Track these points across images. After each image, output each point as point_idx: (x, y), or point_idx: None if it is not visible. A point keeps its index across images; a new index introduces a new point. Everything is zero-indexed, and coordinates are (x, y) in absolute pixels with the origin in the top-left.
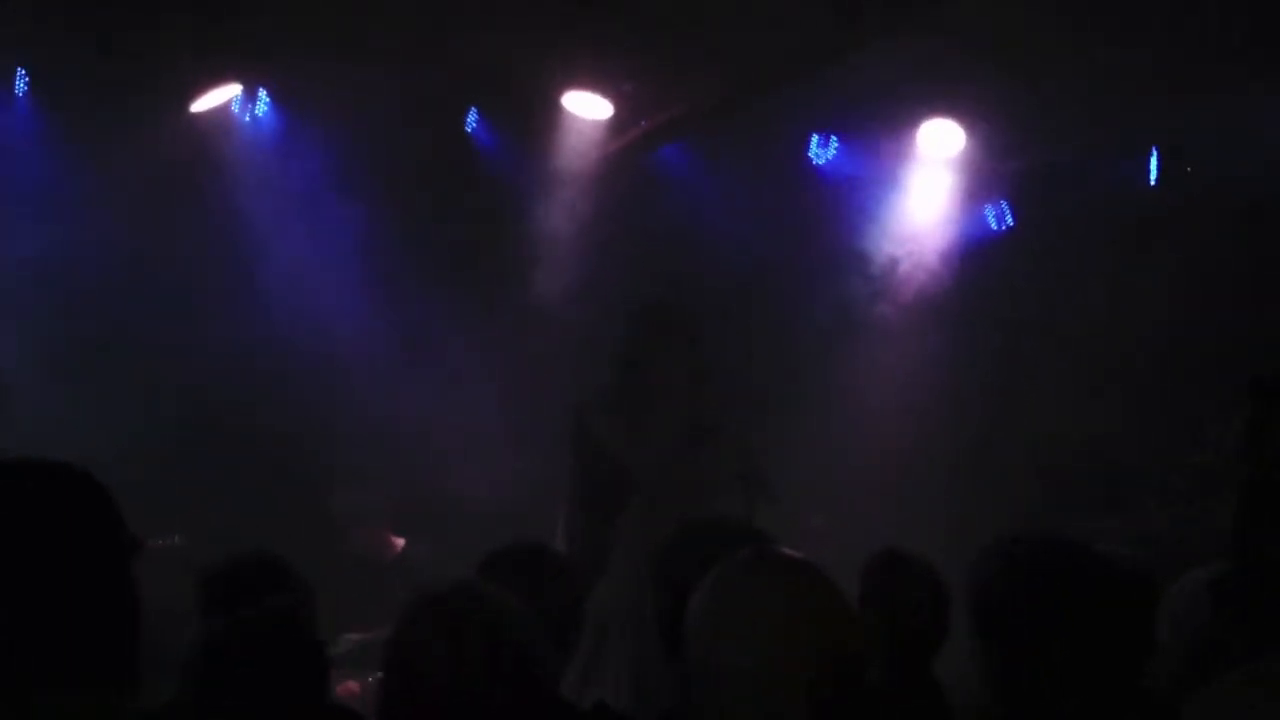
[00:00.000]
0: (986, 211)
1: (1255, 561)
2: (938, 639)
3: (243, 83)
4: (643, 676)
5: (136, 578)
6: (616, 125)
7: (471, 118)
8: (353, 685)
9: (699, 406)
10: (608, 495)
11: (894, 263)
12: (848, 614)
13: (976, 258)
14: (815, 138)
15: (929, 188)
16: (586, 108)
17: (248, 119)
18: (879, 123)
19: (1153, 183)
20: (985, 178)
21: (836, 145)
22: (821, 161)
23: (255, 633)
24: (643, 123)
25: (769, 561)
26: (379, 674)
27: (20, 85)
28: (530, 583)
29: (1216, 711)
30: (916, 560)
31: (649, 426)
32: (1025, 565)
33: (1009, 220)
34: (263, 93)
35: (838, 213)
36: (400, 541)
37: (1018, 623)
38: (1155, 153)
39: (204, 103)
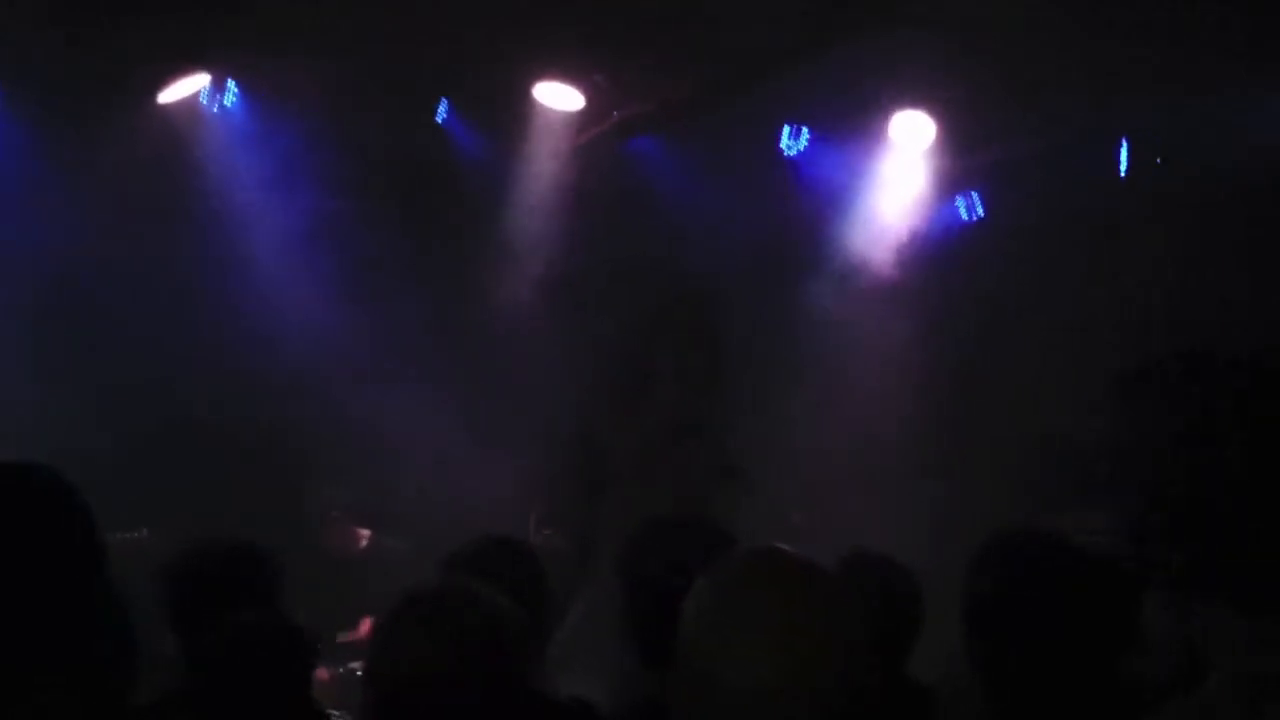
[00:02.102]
0: (958, 202)
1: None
2: (913, 634)
3: (211, 73)
4: (615, 670)
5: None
6: (588, 116)
7: (442, 109)
8: (323, 674)
9: (691, 403)
10: (597, 486)
11: (866, 254)
12: (856, 617)
13: (948, 248)
14: (787, 129)
15: (901, 179)
16: (558, 99)
17: (216, 109)
18: (851, 114)
19: (1123, 174)
20: (956, 169)
21: (808, 137)
22: (793, 153)
23: (253, 643)
24: (614, 114)
25: (774, 563)
26: (350, 665)
27: None
28: (499, 575)
29: (1211, 709)
30: (884, 557)
31: (639, 420)
32: (1012, 561)
33: (980, 211)
34: (231, 83)
35: (809, 204)
36: (368, 535)
37: (1007, 619)
38: (1125, 144)
39: (172, 93)
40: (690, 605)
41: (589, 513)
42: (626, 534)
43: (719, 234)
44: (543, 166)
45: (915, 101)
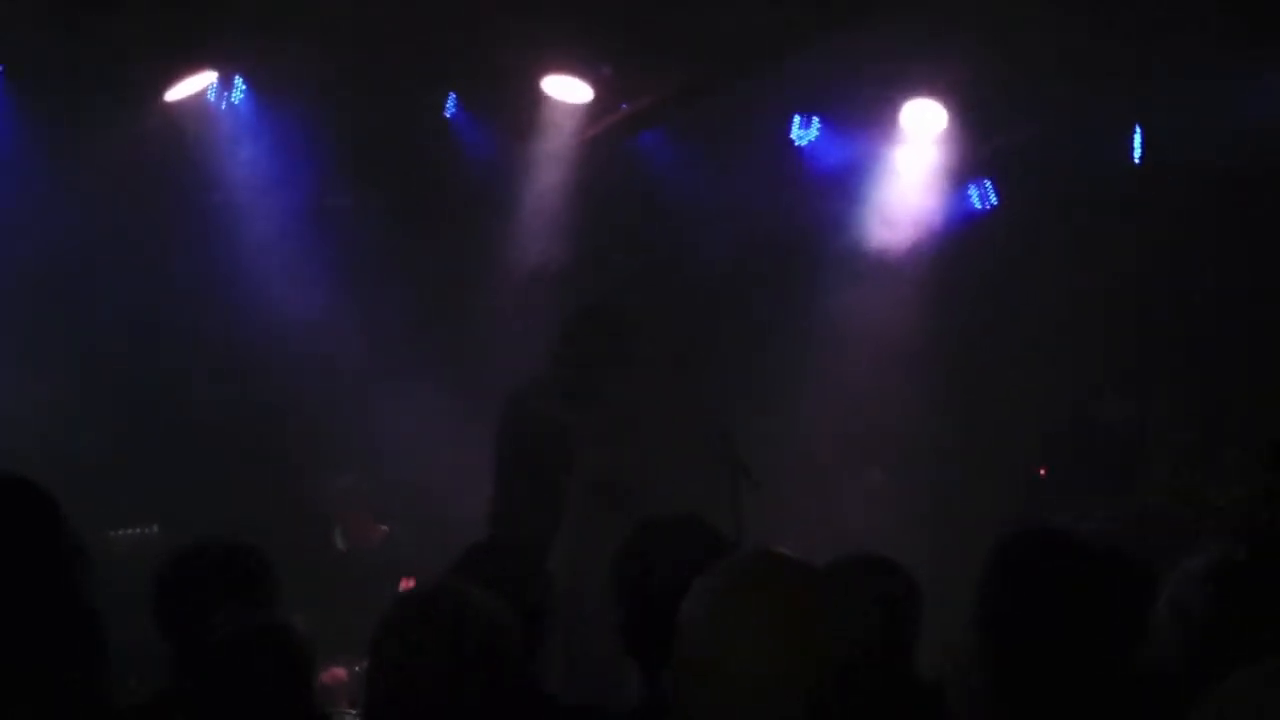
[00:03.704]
0: (970, 190)
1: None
2: (913, 634)
3: (218, 70)
4: (578, 663)
5: (80, 580)
6: (596, 109)
7: (450, 103)
8: (339, 672)
9: (630, 399)
10: (548, 479)
11: (878, 243)
12: (848, 618)
13: (960, 236)
14: (797, 119)
15: (912, 167)
16: (566, 92)
17: (224, 107)
18: (861, 103)
19: (1136, 160)
20: (968, 156)
21: (819, 126)
22: (803, 143)
23: (248, 647)
24: (623, 106)
25: (772, 565)
26: (367, 663)
27: None
28: (507, 581)
29: (1241, 700)
30: (880, 559)
31: (585, 415)
32: (1028, 564)
33: (993, 199)
34: (239, 80)
35: (820, 194)
36: (384, 529)
37: (1024, 622)
38: (1139, 130)
39: (179, 91)
40: (689, 605)
41: (544, 504)
42: (626, 534)
43: (729, 225)
44: (551, 160)
45: (926, 89)
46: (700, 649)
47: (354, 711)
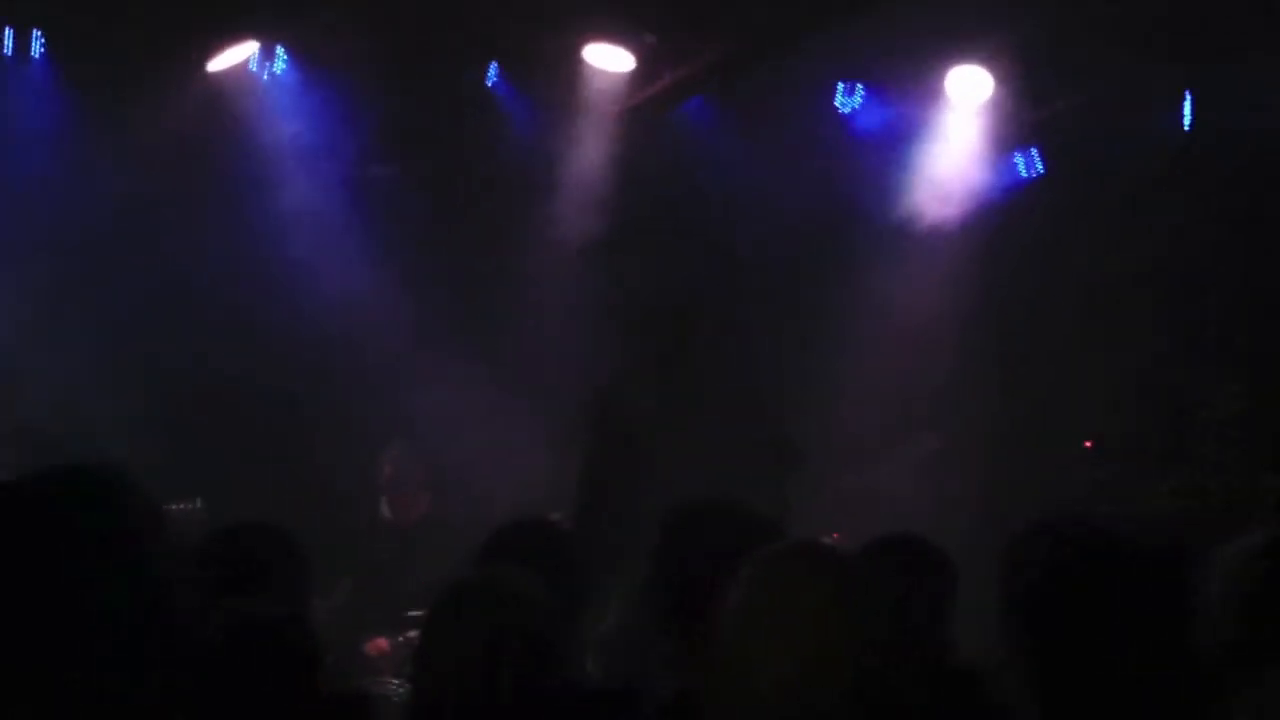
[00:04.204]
0: (1016, 158)
1: None
2: (949, 616)
3: (260, 40)
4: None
5: (152, 569)
6: (639, 78)
7: (492, 72)
8: (382, 643)
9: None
10: (629, 472)
11: (922, 212)
12: (884, 611)
13: (1006, 205)
14: (841, 86)
15: (958, 135)
16: (608, 60)
17: (266, 77)
18: (906, 70)
19: (1186, 127)
20: (1015, 124)
21: (863, 93)
22: (847, 110)
23: (242, 645)
24: (666, 75)
25: (801, 564)
26: (409, 635)
27: (37, 47)
28: (535, 560)
29: None
30: (913, 541)
31: (673, 388)
32: (1053, 550)
33: (1039, 167)
34: (281, 50)
35: (864, 162)
36: (427, 501)
37: (1049, 609)
38: (1189, 97)
39: (221, 61)
40: (725, 598)
41: (622, 489)
42: (662, 518)
43: (772, 194)
44: (593, 130)
45: (972, 55)
46: (724, 647)
47: (396, 682)
